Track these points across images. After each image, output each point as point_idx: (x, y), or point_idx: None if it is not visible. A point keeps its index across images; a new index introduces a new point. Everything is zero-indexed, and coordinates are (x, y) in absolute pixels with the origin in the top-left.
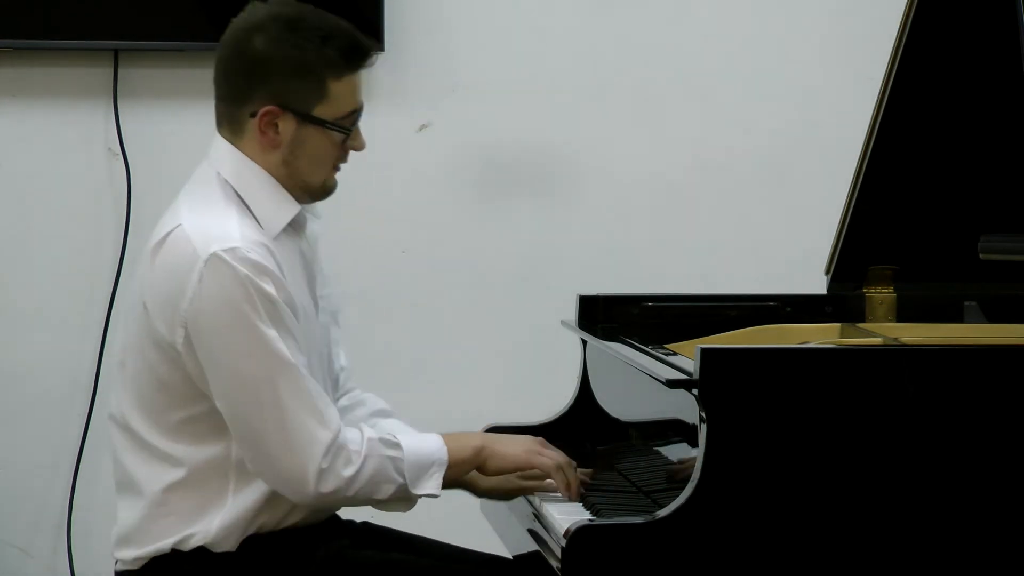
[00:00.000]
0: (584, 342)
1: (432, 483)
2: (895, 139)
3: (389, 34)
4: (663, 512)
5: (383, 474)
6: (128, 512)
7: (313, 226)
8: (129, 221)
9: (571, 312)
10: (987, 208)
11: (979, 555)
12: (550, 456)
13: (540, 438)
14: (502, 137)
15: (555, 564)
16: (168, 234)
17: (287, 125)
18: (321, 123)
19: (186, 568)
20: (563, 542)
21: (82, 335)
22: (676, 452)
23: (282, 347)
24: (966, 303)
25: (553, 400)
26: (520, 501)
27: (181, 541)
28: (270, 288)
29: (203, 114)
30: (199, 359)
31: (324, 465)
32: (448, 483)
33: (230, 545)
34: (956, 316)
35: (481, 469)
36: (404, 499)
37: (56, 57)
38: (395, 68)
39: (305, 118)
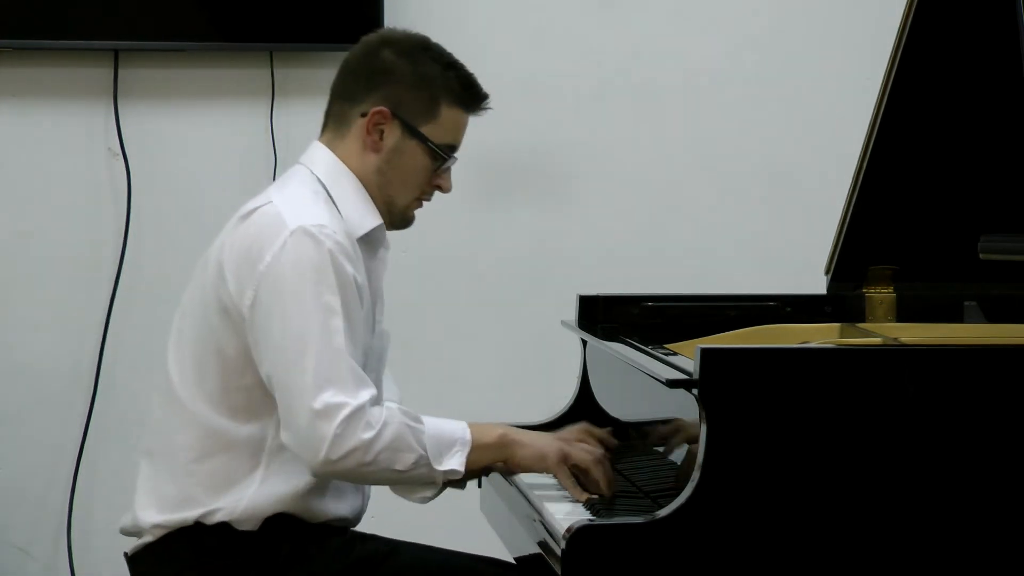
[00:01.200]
0: (584, 342)
1: (455, 460)
2: (895, 139)
3: None
4: (663, 512)
5: (403, 441)
6: (155, 478)
7: (384, 254)
8: (129, 221)
9: (571, 312)
10: (987, 208)
11: (979, 555)
12: (585, 450)
13: (560, 435)
14: (502, 137)
15: (555, 564)
16: (257, 208)
17: (392, 132)
18: (424, 139)
19: (204, 542)
20: (563, 542)
21: (82, 335)
22: (676, 452)
23: (339, 323)
24: (966, 303)
25: (553, 400)
26: (520, 501)
27: (206, 515)
28: (349, 268)
29: (203, 114)
30: (258, 319)
31: (339, 431)
32: (473, 468)
33: (252, 525)
34: (956, 316)
35: (510, 460)
36: (428, 480)
37: (56, 57)
38: None
39: (411, 131)
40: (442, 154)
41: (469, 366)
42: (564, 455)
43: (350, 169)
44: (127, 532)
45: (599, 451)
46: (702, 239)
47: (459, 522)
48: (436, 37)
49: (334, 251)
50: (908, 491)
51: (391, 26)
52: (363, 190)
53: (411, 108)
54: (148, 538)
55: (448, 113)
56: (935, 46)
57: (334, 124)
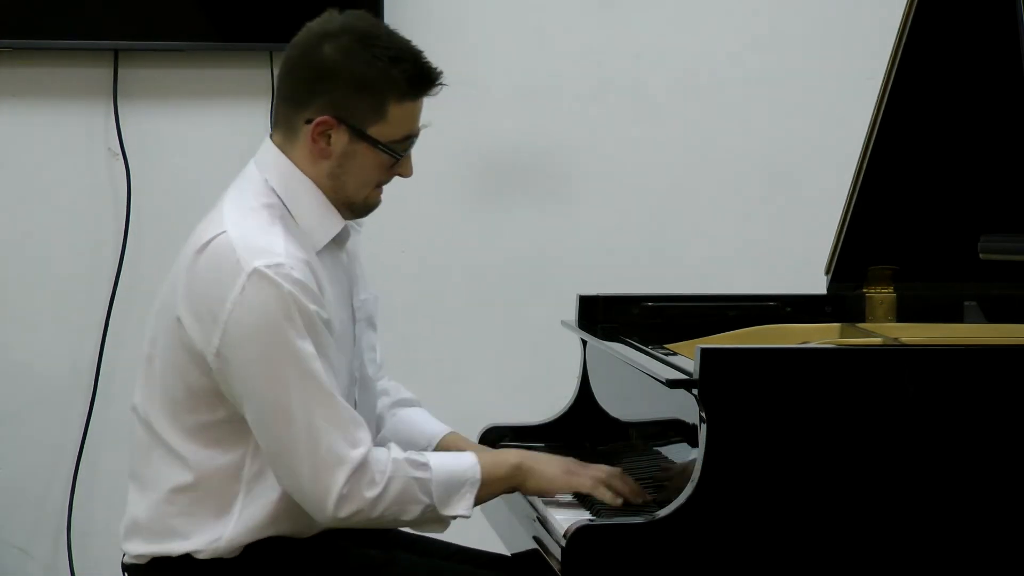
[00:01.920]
0: (584, 342)
1: (463, 504)
2: (895, 139)
3: None
4: (663, 512)
5: (408, 495)
6: (136, 504)
7: (354, 238)
8: (129, 221)
9: (571, 312)
10: (987, 208)
11: (979, 555)
12: (590, 475)
13: (574, 459)
14: (502, 137)
15: (555, 564)
16: (212, 240)
17: (340, 138)
18: (374, 143)
19: (193, 565)
20: (563, 542)
21: (82, 335)
22: (676, 452)
23: (318, 366)
24: (966, 303)
25: (553, 400)
26: (521, 501)
27: (192, 552)
28: (312, 307)
29: (203, 114)
30: (231, 371)
31: (345, 491)
32: (483, 501)
33: (239, 553)
34: (956, 316)
35: (520, 488)
36: (435, 520)
37: (56, 57)
38: None
39: (359, 135)
40: (394, 153)
41: (469, 366)
42: (571, 472)
43: (305, 174)
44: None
45: (602, 473)
46: (702, 239)
47: (459, 521)
48: (436, 37)
49: (295, 292)
50: (908, 491)
51: (332, 11)
52: (320, 195)
53: (356, 112)
54: (135, 561)
55: (397, 110)
56: (935, 46)
57: (283, 127)
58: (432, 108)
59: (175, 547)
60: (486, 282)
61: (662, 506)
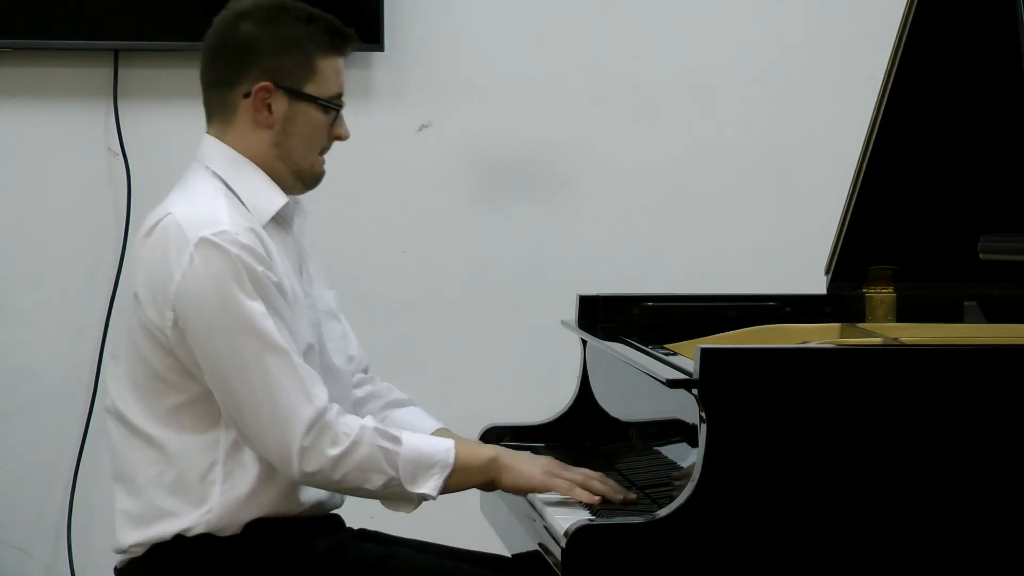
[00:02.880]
0: (584, 342)
1: (429, 484)
2: (895, 139)
3: (389, 34)
4: (663, 512)
5: (373, 463)
6: (124, 502)
7: (300, 222)
8: (129, 221)
9: (571, 312)
10: (987, 208)
11: (979, 555)
12: (568, 477)
13: (556, 461)
14: (502, 137)
15: (555, 564)
16: (157, 223)
17: (279, 103)
18: (312, 99)
19: (188, 553)
20: (563, 542)
21: (82, 335)
22: (676, 452)
23: (269, 324)
24: (966, 303)
25: (553, 400)
26: (520, 501)
27: (184, 530)
28: (259, 268)
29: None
30: (188, 341)
31: (306, 443)
32: (456, 490)
33: (233, 531)
34: (956, 316)
35: (495, 483)
36: (402, 497)
37: (56, 57)
38: (395, 68)
39: (297, 95)
40: (333, 105)
41: (469, 366)
42: (549, 473)
43: (244, 155)
44: (117, 551)
45: (580, 476)
46: (702, 239)
47: (459, 522)
48: (436, 38)
49: (242, 256)
50: (908, 491)
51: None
52: (262, 173)
53: (290, 73)
54: (128, 557)
55: (324, 64)
56: (935, 46)
57: (218, 114)
58: (432, 108)
59: (167, 527)
60: (486, 282)
61: (661, 505)
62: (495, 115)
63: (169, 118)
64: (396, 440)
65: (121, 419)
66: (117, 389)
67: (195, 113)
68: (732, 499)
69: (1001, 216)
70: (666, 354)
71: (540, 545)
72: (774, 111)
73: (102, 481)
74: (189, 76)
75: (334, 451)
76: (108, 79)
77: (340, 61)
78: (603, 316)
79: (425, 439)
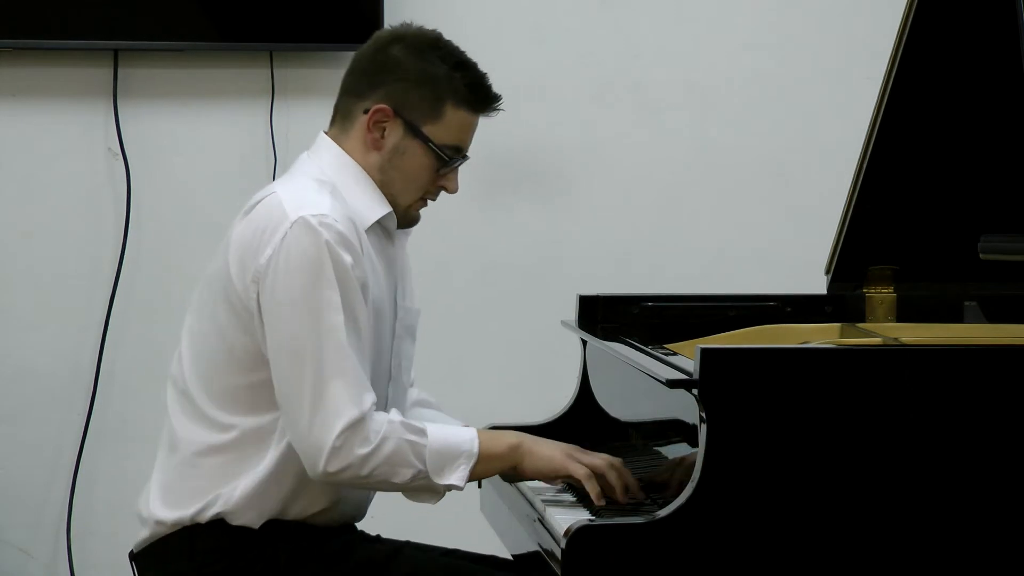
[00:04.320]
0: (584, 342)
1: (457, 475)
2: (895, 139)
3: None
4: (663, 512)
5: (400, 457)
6: (164, 470)
7: (403, 239)
8: (129, 221)
9: (571, 312)
10: (987, 208)
11: (979, 555)
12: (588, 462)
13: (577, 447)
14: (502, 137)
15: (555, 564)
16: (261, 200)
17: (394, 131)
18: (425, 139)
19: (202, 543)
20: (563, 542)
21: (82, 335)
22: (676, 452)
23: (339, 317)
24: (966, 303)
25: (553, 400)
26: (520, 501)
27: (203, 508)
28: (347, 258)
29: (203, 114)
30: (262, 315)
31: (337, 443)
32: (481, 477)
33: (250, 519)
34: (956, 316)
35: (517, 469)
36: (428, 489)
37: (56, 57)
38: None
39: (412, 130)
40: (444, 155)
41: (469, 366)
42: (571, 457)
43: (357, 163)
44: (138, 515)
45: (602, 462)
46: (702, 239)
47: (459, 522)
48: None
49: (331, 242)
50: (908, 491)
51: (407, 22)
52: (370, 181)
53: (414, 107)
54: (148, 534)
55: (453, 114)
56: (935, 46)
57: (341, 119)
58: None
59: (189, 510)
60: (486, 282)
61: (661, 506)
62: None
63: (169, 118)
64: (422, 433)
65: (181, 390)
66: (185, 361)
67: (195, 113)
68: (732, 499)
69: (1001, 216)
70: (666, 354)
71: (540, 545)
72: (774, 111)
73: (102, 481)
74: (189, 76)
75: (364, 450)
76: (108, 79)
77: (472, 118)
78: (603, 316)
79: (449, 430)
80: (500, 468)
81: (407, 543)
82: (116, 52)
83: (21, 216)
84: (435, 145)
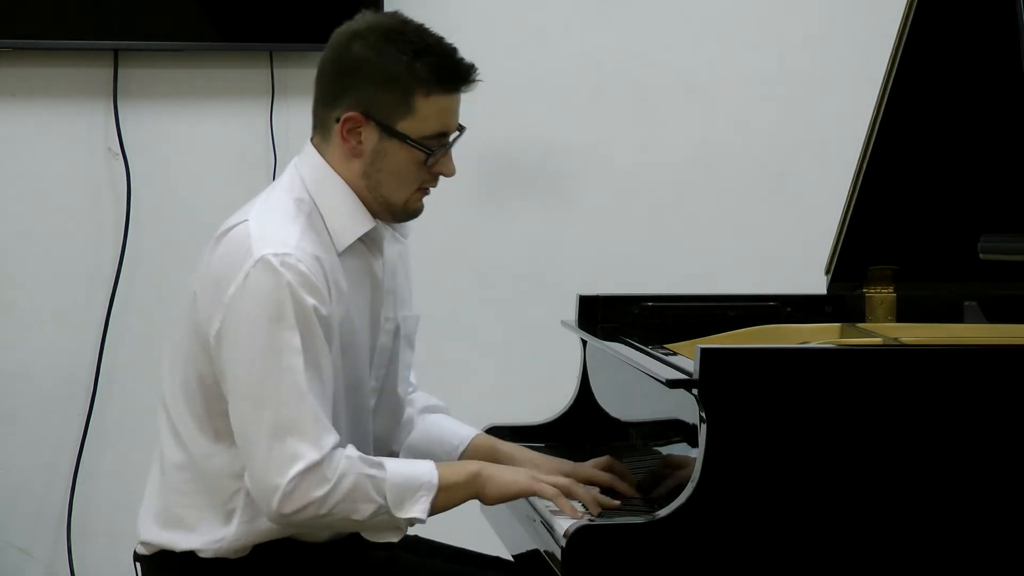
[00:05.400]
0: (584, 342)
1: (418, 507)
2: (895, 139)
3: None
4: (663, 512)
5: (360, 492)
6: (155, 488)
7: (394, 247)
8: (129, 221)
9: (571, 312)
10: (987, 208)
11: (979, 555)
12: (552, 482)
13: (536, 467)
14: (502, 137)
15: (555, 564)
16: (233, 227)
17: (369, 135)
18: (403, 138)
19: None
20: (563, 542)
21: (82, 335)
22: (676, 452)
23: (299, 362)
24: (966, 303)
25: (553, 400)
26: (521, 502)
27: (196, 551)
28: (309, 301)
29: (203, 114)
30: (222, 354)
31: (289, 488)
32: (444, 508)
33: (245, 553)
34: (956, 316)
35: (480, 496)
36: (390, 525)
37: (56, 57)
38: None
39: (387, 131)
40: (425, 148)
41: (469, 366)
42: (535, 478)
43: (339, 174)
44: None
45: (563, 481)
46: (702, 239)
47: (459, 522)
48: None
49: (293, 283)
50: (908, 491)
51: (363, 11)
52: (352, 195)
53: (384, 107)
54: (146, 552)
55: (425, 104)
56: (935, 46)
57: (320, 127)
58: None
59: (180, 540)
60: (486, 282)
61: (661, 506)
62: (495, 115)
63: (169, 118)
64: (380, 466)
65: (166, 411)
66: (166, 382)
67: (195, 113)
68: (732, 499)
69: (1001, 216)
70: (666, 354)
71: (540, 546)
72: (774, 111)
73: (102, 481)
74: (189, 76)
75: (320, 491)
76: (108, 79)
77: (447, 99)
78: (603, 316)
79: (407, 462)
80: (463, 497)
81: (416, 539)
82: (116, 52)
83: (21, 216)
84: (414, 141)
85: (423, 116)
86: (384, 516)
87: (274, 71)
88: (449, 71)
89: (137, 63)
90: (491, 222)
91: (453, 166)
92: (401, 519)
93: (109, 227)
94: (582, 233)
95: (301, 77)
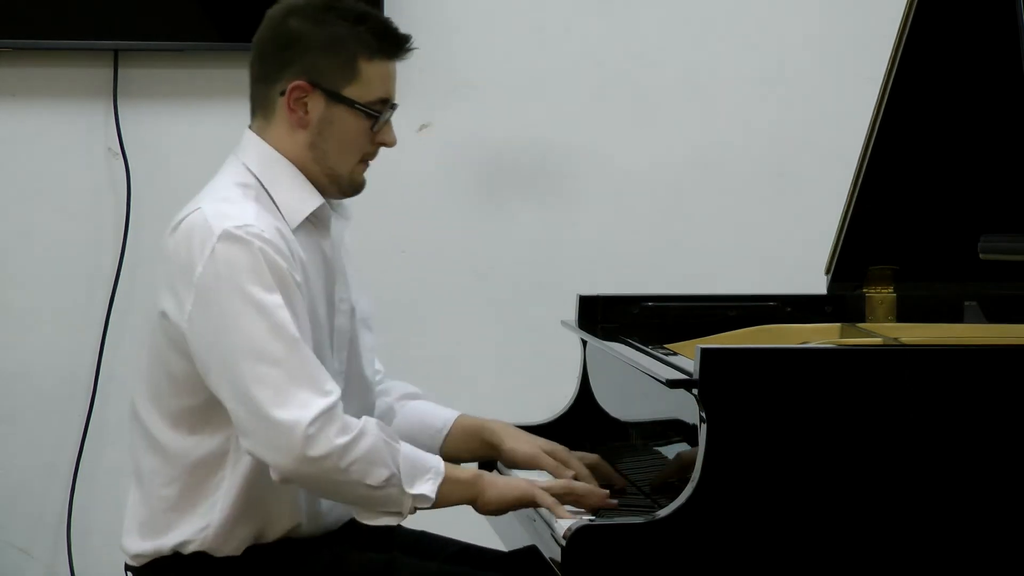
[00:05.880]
0: (584, 342)
1: (427, 486)
2: (895, 139)
3: None
4: (663, 512)
5: (377, 455)
6: (133, 503)
7: (339, 226)
8: (129, 221)
9: (571, 312)
10: (987, 208)
11: (979, 555)
12: (548, 486)
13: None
14: (502, 137)
15: (555, 564)
16: (187, 216)
17: (316, 103)
18: (350, 103)
19: (189, 571)
20: (563, 542)
21: (82, 335)
22: (676, 452)
23: (285, 314)
24: (966, 303)
25: (553, 400)
26: None
27: (181, 544)
28: (283, 263)
29: (203, 114)
30: (201, 332)
31: (312, 431)
32: (442, 502)
33: (232, 549)
34: (956, 316)
35: (480, 499)
36: (396, 502)
37: (56, 57)
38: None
39: (334, 97)
40: (373, 112)
41: (469, 366)
42: (535, 483)
43: (282, 153)
44: (125, 553)
45: (560, 486)
46: (702, 239)
47: (459, 522)
48: (436, 37)
49: (265, 248)
50: (908, 491)
51: None
52: (298, 173)
53: (329, 73)
54: (135, 563)
55: (369, 68)
56: (935, 46)
57: (260, 109)
58: (432, 108)
59: (169, 540)
60: (486, 282)
61: (661, 505)
62: (495, 115)
63: (169, 118)
64: (396, 439)
65: (137, 419)
66: (136, 390)
67: (195, 113)
68: (732, 499)
69: (1001, 216)
70: (666, 354)
71: (540, 545)
72: (774, 111)
73: (102, 481)
74: (189, 76)
75: (342, 439)
76: (108, 79)
77: (389, 65)
78: (603, 316)
79: (415, 449)
80: (462, 495)
81: (423, 533)
82: (116, 52)
83: (21, 216)
84: (361, 105)
85: (367, 80)
86: (394, 488)
87: None
88: (391, 36)
89: (137, 63)
90: (491, 222)
91: (395, 136)
92: (408, 495)
93: (109, 227)
94: (582, 233)
95: None
